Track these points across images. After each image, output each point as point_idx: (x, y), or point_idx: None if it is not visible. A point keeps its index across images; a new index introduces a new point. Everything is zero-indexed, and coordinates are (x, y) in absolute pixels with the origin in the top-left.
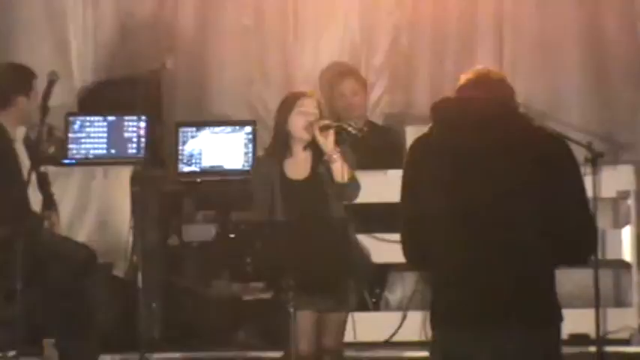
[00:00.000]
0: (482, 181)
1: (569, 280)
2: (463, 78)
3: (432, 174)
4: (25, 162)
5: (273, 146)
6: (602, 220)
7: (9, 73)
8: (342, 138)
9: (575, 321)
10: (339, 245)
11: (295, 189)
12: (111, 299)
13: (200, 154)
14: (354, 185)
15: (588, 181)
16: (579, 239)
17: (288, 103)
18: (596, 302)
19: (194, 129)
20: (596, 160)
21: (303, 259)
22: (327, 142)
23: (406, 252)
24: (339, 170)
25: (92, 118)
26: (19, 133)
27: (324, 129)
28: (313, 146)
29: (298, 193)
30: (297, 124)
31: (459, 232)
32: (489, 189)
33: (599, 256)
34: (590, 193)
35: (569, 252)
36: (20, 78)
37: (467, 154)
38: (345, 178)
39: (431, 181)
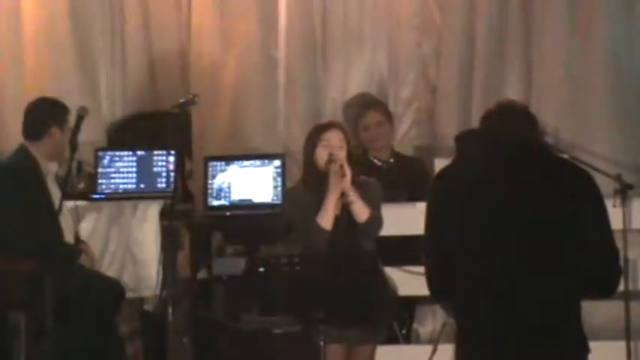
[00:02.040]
0: (505, 214)
1: (600, 312)
2: (487, 110)
3: (455, 207)
4: (56, 196)
5: (305, 178)
6: (633, 252)
7: (44, 105)
8: (369, 169)
9: (607, 354)
10: (369, 277)
11: (335, 219)
12: (141, 335)
13: (229, 187)
14: (373, 224)
15: (618, 213)
16: (603, 274)
17: (314, 137)
18: (627, 334)
19: (223, 163)
20: (625, 192)
21: (334, 291)
22: (344, 183)
23: (430, 285)
24: (358, 211)
25: (121, 153)
26: (51, 168)
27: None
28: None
29: (336, 222)
30: (323, 158)
31: (482, 265)
32: (512, 223)
33: (630, 288)
34: (620, 224)
35: (593, 286)
36: (55, 110)
37: (490, 187)
38: (364, 218)
39: (454, 214)
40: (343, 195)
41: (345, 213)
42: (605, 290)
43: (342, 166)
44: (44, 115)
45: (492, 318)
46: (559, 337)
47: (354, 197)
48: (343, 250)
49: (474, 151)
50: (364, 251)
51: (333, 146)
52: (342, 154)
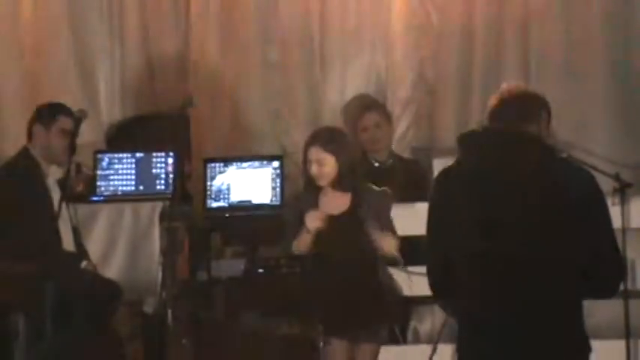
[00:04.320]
0: (507, 214)
1: (599, 311)
2: (491, 102)
3: (457, 206)
4: (57, 199)
5: (307, 184)
6: (632, 251)
7: (37, 107)
8: (367, 170)
9: (606, 352)
10: (371, 277)
11: (330, 223)
12: (141, 336)
13: (228, 189)
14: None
15: (617, 212)
16: (606, 273)
17: (304, 150)
18: (627, 333)
19: (222, 164)
20: (624, 191)
21: (334, 291)
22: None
23: (432, 285)
24: (382, 246)
25: (120, 155)
26: (53, 171)
27: None
28: (352, 183)
29: (332, 227)
30: (311, 172)
31: (483, 265)
32: (515, 223)
33: (630, 287)
34: (618, 223)
35: (595, 286)
36: (41, 109)
37: (490, 187)
38: (393, 250)
39: (455, 214)
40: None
41: (353, 214)
42: (607, 291)
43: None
44: (32, 117)
45: (494, 317)
46: (561, 335)
47: (376, 235)
48: (344, 251)
49: (476, 151)
50: (366, 252)
51: (313, 160)
52: (323, 170)
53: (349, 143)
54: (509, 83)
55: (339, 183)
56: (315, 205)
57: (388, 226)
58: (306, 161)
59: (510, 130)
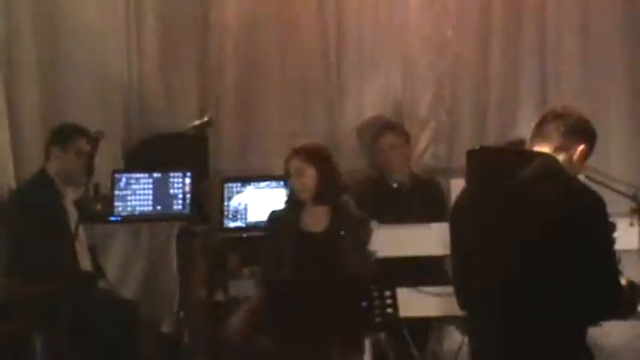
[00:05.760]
0: (502, 237)
1: (617, 332)
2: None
3: (462, 225)
4: (74, 220)
5: (289, 199)
6: None
7: (53, 128)
8: (384, 192)
9: None
10: (345, 299)
11: (309, 241)
12: (158, 355)
13: (245, 209)
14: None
15: (634, 232)
16: (604, 299)
17: (285, 164)
18: None
19: (239, 184)
20: None
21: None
22: None
23: (458, 300)
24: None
25: (138, 175)
26: (69, 192)
27: None
28: (333, 197)
29: (311, 245)
30: (291, 184)
31: (484, 286)
32: (508, 246)
33: None
34: (636, 244)
35: (592, 312)
36: (57, 131)
37: (494, 209)
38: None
39: (463, 235)
40: None
41: (331, 232)
42: (603, 318)
43: None
44: (48, 137)
45: (497, 336)
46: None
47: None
48: (320, 270)
49: (475, 170)
50: (342, 272)
51: (292, 174)
52: (302, 181)
53: (331, 158)
54: (563, 103)
55: (320, 196)
56: (295, 222)
57: (363, 256)
58: (287, 175)
59: (514, 150)
